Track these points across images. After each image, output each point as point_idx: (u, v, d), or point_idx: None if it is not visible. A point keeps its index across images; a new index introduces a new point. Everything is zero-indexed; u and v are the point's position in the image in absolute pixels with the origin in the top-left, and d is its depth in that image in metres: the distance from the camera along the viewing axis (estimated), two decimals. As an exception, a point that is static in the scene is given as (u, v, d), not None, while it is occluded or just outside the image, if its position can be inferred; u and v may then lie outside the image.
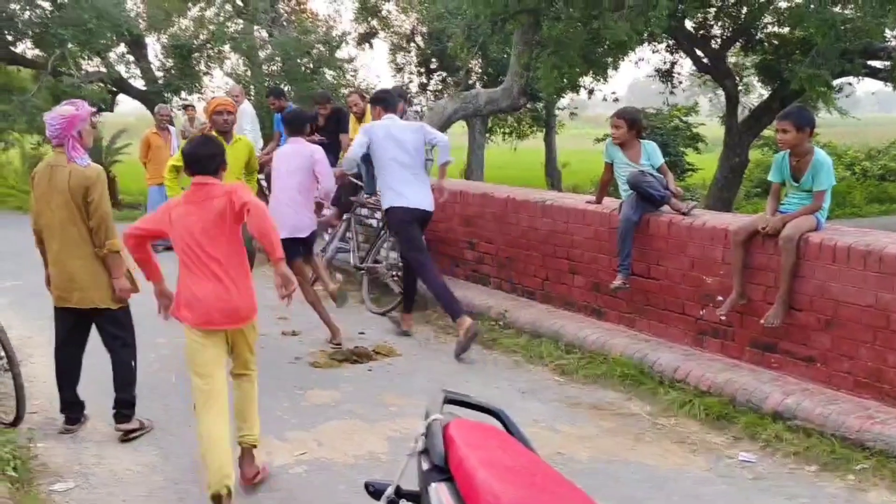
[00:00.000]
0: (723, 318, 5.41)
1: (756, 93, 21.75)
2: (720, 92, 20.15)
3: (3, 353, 4.79)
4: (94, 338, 4.96)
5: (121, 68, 23.41)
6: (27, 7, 18.98)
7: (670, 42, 17.77)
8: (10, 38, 19.93)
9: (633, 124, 6.10)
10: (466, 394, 2.58)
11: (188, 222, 3.94)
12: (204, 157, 4.03)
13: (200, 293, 3.92)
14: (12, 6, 18.98)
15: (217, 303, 3.93)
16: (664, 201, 5.94)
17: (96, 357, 5.05)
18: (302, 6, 27.02)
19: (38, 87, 20.18)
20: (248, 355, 4.21)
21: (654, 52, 18.50)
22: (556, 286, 6.89)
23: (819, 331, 4.94)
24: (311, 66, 20.46)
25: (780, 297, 5.03)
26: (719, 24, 16.80)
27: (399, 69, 27.49)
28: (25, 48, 21.26)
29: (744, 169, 17.69)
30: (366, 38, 27.68)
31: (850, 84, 16.35)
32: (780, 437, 4.57)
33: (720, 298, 5.45)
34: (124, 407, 4.79)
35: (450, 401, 2.46)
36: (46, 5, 19.41)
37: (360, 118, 9.41)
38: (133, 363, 4.92)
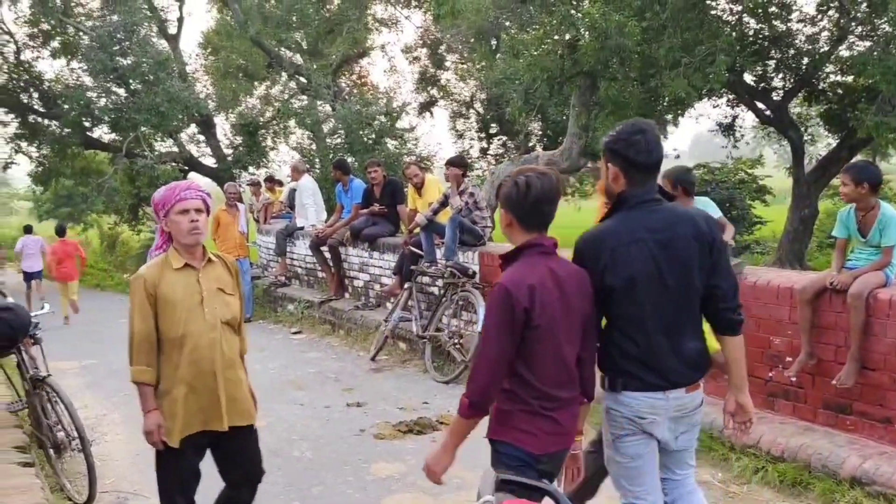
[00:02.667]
0: (793, 379, 5.25)
1: (823, 142, 21.40)
2: (786, 143, 19.84)
3: (75, 433, 4.88)
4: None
5: (192, 147, 24.37)
6: (104, 95, 19.92)
7: (730, 96, 17.64)
8: (87, 124, 20.90)
9: (676, 184, 6.05)
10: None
11: None
12: None
13: None
14: (90, 94, 19.94)
15: None
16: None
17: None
18: (363, 80, 27.82)
19: (115, 170, 21.04)
20: None
21: (714, 106, 18.37)
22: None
23: (895, 391, 4.75)
24: (373, 136, 20.90)
25: (851, 357, 4.87)
26: (780, 75, 16.63)
27: (459, 135, 27.89)
28: (102, 133, 22.26)
29: (814, 220, 17.29)
30: (426, 107, 28.25)
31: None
32: (859, 504, 4.38)
33: (789, 359, 5.30)
34: None
35: (503, 481, 2.43)
36: (121, 92, 20.35)
37: (419, 188, 9.54)
38: None
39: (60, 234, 15.12)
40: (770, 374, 5.50)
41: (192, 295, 3.45)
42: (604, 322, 3.01)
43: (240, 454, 3.65)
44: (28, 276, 15.22)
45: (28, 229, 16.27)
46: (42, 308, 5.28)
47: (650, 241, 2.86)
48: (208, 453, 3.65)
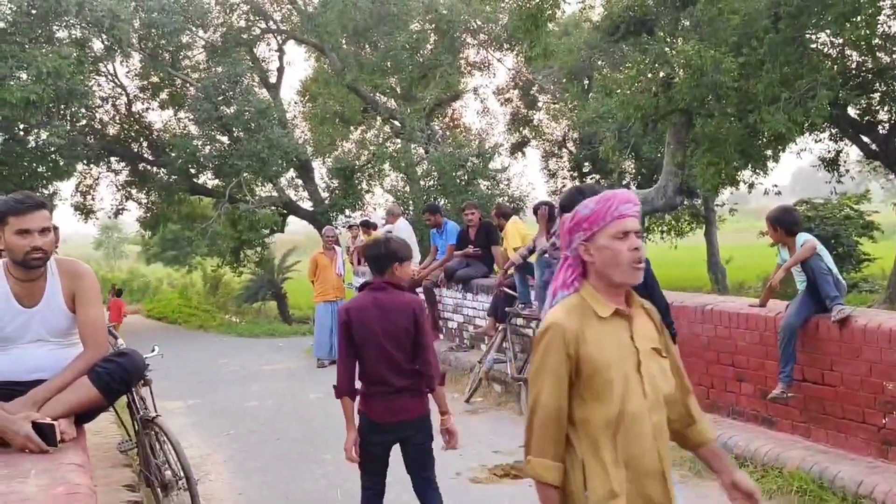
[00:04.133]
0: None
1: (933, 175, 20.43)
2: (893, 177, 19.09)
3: (182, 473, 5.00)
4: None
5: (290, 192, 25.09)
6: (208, 142, 20.77)
7: (833, 130, 17.12)
8: (193, 170, 21.81)
9: (776, 225, 5.90)
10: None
11: None
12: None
13: None
14: (195, 142, 20.83)
15: None
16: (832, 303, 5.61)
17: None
18: (456, 122, 28.18)
19: (218, 214, 21.81)
20: None
21: (816, 141, 17.87)
22: (722, 394, 6.59)
23: None
24: (466, 178, 21.09)
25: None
26: (885, 108, 16.07)
27: (552, 175, 27.88)
28: (206, 179, 23.16)
29: (926, 256, 16.52)
30: (518, 147, 28.38)
31: None
32: None
33: (905, 406, 5.04)
34: None
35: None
36: (225, 140, 21.19)
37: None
38: None
39: (118, 294, 21.56)
40: (884, 421, 5.24)
41: (627, 357, 2.38)
42: None
43: None
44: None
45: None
46: (153, 351, 5.47)
47: None
48: None
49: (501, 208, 10.78)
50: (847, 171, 18.76)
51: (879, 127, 16.31)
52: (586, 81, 23.03)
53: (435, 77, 23.97)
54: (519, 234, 9.32)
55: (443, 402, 4.19)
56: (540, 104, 28.02)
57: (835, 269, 5.80)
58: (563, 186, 27.57)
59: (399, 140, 22.99)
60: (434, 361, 4.12)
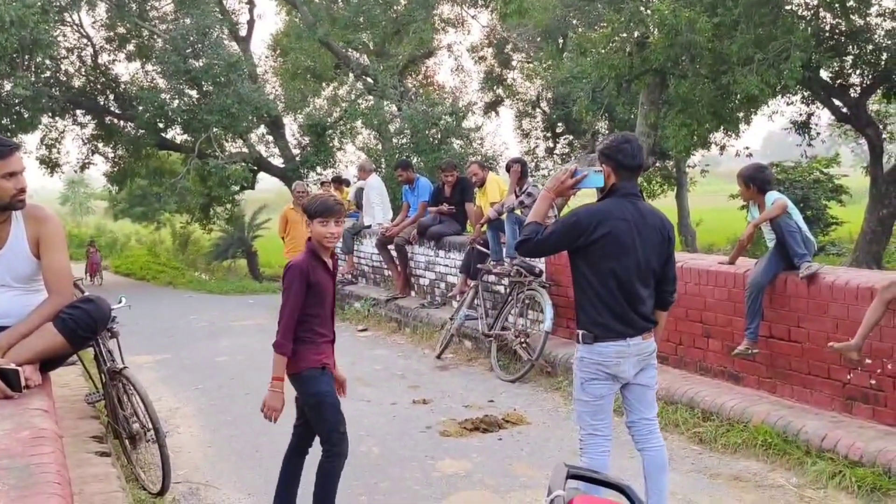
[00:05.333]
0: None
1: (902, 140, 20.66)
2: (863, 141, 19.25)
3: (150, 425, 4.98)
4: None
5: (261, 148, 24.80)
6: (177, 96, 20.41)
7: (805, 93, 17.19)
8: (161, 125, 21.46)
9: (748, 182, 5.93)
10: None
11: None
12: None
13: None
14: (163, 96, 20.47)
15: None
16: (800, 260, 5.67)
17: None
18: (429, 80, 27.96)
19: (187, 170, 21.54)
20: None
21: (788, 104, 17.93)
22: (690, 350, 6.66)
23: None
24: (439, 136, 20.98)
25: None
26: (857, 71, 16.15)
27: (525, 135, 27.80)
28: (175, 134, 22.83)
29: (893, 221, 16.73)
30: (492, 107, 28.24)
31: None
32: (945, 512, 4.21)
33: (868, 361, 5.12)
34: None
35: (574, 476, 2.39)
36: (194, 94, 20.83)
37: (480, 187, 9.54)
38: None
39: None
40: (849, 377, 5.33)
41: None
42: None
43: None
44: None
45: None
46: (119, 302, 5.40)
47: (631, 223, 3.68)
48: None
49: (489, 162, 10.71)
50: (818, 134, 18.89)
51: (851, 90, 16.40)
52: (561, 40, 22.89)
53: (408, 33, 23.71)
54: (499, 189, 9.28)
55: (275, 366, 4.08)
56: (514, 63, 27.85)
57: (804, 228, 5.85)
58: (536, 147, 27.55)
59: (371, 97, 22.76)
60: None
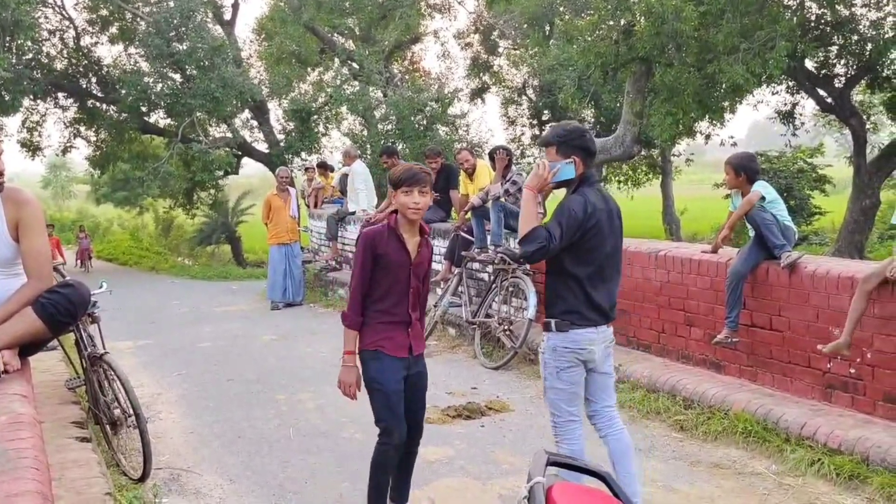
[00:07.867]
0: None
1: (886, 130, 20.81)
2: (847, 131, 19.35)
3: (131, 411, 4.96)
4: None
5: (245, 133, 24.61)
6: (160, 80, 20.23)
7: (790, 83, 17.25)
8: (144, 109, 21.26)
9: (738, 170, 5.94)
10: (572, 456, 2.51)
11: None
12: None
13: None
14: (146, 79, 20.27)
15: None
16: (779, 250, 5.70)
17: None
18: (415, 66, 27.82)
19: (170, 154, 21.37)
20: None
21: (773, 93, 17.99)
22: (672, 339, 6.70)
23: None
24: (425, 123, 20.90)
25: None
26: (842, 62, 16.22)
27: (511, 122, 27.75)
28: (158, 118, 22.63)
29: (875, 211, 16.86)
30: (478, 94, 28.16)
31: None
32: (921, 500, 4.25)
33: (846, 352, 5.15)
34: None
35: (553, 463, 2.40)
36: (177, 77, 20.64)
37: (471, 174, 9.51)
38: None
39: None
40: (829, 365, 5.37)
41: None
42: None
43: None
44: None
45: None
46: (101, 287, 5.36)
47: (604, 210, 3.80)
48: None
49: (475, 149, 10.69)
50: (802, 123, 18.97)
51: (836, 80, 16.47)
52: (547, 28, 22.82)
53: (395, 18, 23.57)
54: (489, 176, 9.27)
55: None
56: (500, 50, 27.78)
57: (784, 216, 5.86)
58: (522, 134, 27.52)
59: (357, 82, 22.63)
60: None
